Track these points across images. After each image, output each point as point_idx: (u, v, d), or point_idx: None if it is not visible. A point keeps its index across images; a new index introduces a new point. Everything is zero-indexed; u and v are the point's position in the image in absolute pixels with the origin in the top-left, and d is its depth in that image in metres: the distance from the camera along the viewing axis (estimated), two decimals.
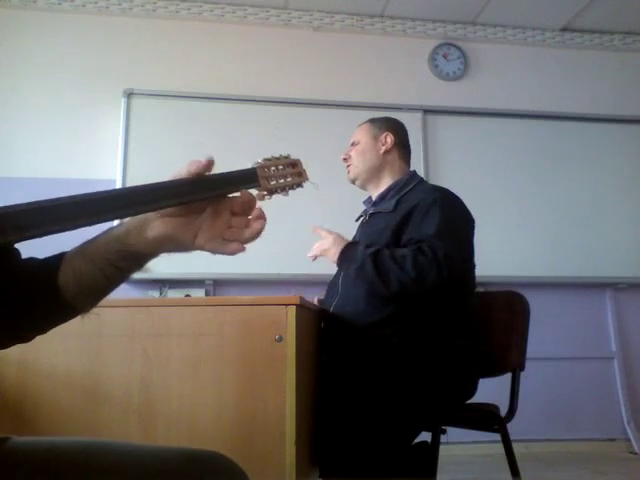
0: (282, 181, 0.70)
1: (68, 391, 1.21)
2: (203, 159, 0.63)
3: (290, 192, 0.72)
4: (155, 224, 0.62)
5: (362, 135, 1.80)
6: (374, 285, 1.46)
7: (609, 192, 3.38)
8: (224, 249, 0.64)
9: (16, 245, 0.69)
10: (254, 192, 0.68)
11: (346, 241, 1.58)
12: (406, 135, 1.83)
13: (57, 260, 0.66)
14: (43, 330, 0.70)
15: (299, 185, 0.73)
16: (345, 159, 1.81)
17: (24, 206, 0.52)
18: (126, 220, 0.64)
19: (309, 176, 0.75)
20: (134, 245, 0.62)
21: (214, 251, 0.64)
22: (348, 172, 1.80)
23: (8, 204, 0.53)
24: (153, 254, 0.64)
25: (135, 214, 0.60)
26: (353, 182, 1.81)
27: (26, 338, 0.70)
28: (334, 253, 1.55)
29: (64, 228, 0.54)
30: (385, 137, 1.76)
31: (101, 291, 0.67)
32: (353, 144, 1.81)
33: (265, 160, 0.70)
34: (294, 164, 0.73)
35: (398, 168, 1.76)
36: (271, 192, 0.69)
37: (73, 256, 0.66)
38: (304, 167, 0.74)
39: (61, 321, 0.69)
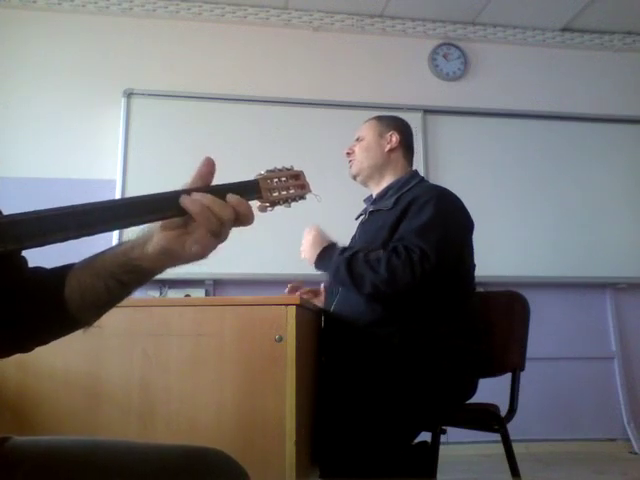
0: (284, 193, 0.70)
1: (68, 391, 1.21)
2: (203, 161, 0.62)
3: (292, 204, 0.72)
4: (155, 238, 0.61)
5: (368, 131, 1.78)
6: (349, 288, 1.50)
7: (609, 192, 3.38)
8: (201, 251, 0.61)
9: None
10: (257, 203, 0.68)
11: (324, 243, 1.58)
12: (411, 135, 1.83)
13: (64, 272, 0.66)
14: (45, 341, 0.70)
15: (301, 197, 0.73)
16: (348, 153, 1.79)
17: (23, 215, 0.51)
18: (135, 235, 0.64)
19: (311, 176, 0.75)
20: (137, 259, 0.62)
21: (200, 254, 0.61)
22: (350, 167, 1.78)
23: (9, 213, 0.53)
24: (155, 269, 0.64)
25: (135, 224, 0.59)
26: (354, 178, 1.79)
27: (27, 348, 0.70)
28: (311, 256, 1.56)
29: (64, 238, 0.53)
30: (391, 136, 1.74)
31: (103, 305, 0.67)
32: (358, 139, 1.78)
33: (268, 172, 0.70)
34: (297, 176, 0.73)
35: (401, 167, 1.75)
36: (273, 204, 0.69)
37: (80, 268, 0.66)
38: (307, 179, 0.74)
39: (64, 333, 0.69)
